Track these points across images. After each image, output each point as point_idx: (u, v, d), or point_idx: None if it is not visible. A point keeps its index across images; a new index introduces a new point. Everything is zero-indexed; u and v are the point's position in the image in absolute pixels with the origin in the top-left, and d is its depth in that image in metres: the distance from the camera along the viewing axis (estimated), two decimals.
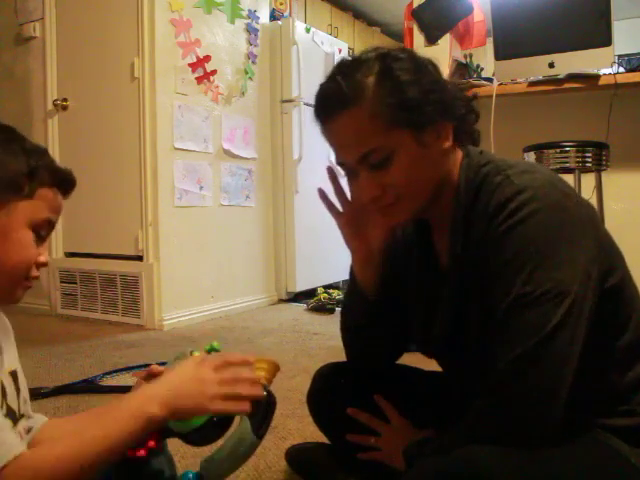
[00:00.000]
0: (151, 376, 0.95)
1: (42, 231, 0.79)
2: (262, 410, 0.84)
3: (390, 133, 0.85)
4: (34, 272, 0.79)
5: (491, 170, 0.89)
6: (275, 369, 0.91)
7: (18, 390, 0.85)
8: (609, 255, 0.87)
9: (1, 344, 0.83)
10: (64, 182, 0.82)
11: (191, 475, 0.84)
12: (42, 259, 0.80)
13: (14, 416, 0.83)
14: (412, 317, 1.06)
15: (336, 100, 0.87)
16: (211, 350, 0.95)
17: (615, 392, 0.86)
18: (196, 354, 0.94)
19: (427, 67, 0.89)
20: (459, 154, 0.94)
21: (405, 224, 1.03)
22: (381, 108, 0.84)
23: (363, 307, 1.08)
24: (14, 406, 0.83)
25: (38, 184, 0.78)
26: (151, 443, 0.85)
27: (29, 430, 0.92)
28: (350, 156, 0.89)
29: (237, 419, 0.84)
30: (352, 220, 1.00)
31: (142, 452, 0.83)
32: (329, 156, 3.46)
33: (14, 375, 0.85)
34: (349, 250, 1.04)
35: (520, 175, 0.85)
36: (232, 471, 0.86)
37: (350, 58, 0.92)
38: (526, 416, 0.77)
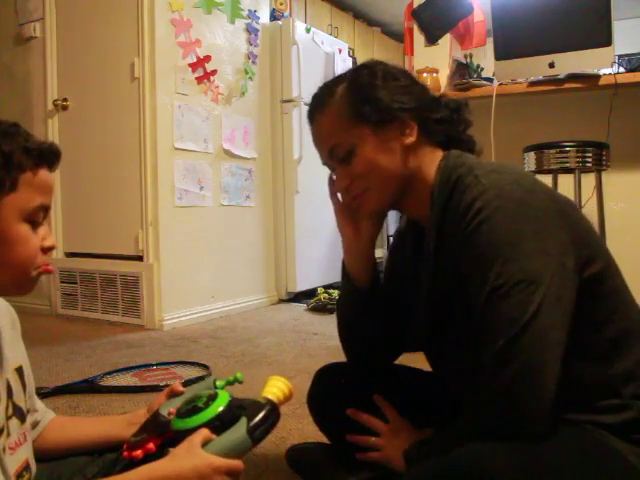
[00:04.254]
0: (173, 394, 0.96)
1: (37, 218, 0.75)
2: (263, 414, 0.84)
3: (352, 129, 0.95)
4: (42, 259, 0.76)
5: (464, 171, 0.91)
6: (288, 392, 0.91)
7: (24, 386, 0.85)
8: (587, 246, 0.87)
9: (5, 341, 0.82)
10: (46, 158, 0.76)
11: None
12: (48, 243, 0.76)
13: (22, 414, 0.82)
14: (408, 313, 1.08)
15: (313, 106, 1.02)
16: (234, 381, 0.95)
17: (603, 385, 0.86)
18: (219, 383, 0.94)
19: (396, 75, 0.98)
20: (437, 155, 0.98)
21: (381, 214, 1.07)
22: (345, 107, 0.96)
23: (354, 298, 1.12)
24: (22, 404, 0.82)
25: (18, 171, 0.72)
26: (150, 446, 0.84)
27: (35, 425, 0.92)
28: (322, 153, 1.01)
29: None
30: (346, 209, 1.06)
31: (138, 453, 0.83)
32: None
33: (20, 371, 0.84)
34: (341, 237, 1.10)
35: (487, 175, 0.88)
36: (236, 456, 0.84)
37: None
38: (514, 408, 0.77)
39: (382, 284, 1.14)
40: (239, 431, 0.82)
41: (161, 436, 0.86)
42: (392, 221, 5.45)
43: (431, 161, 0.98)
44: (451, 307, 0.93)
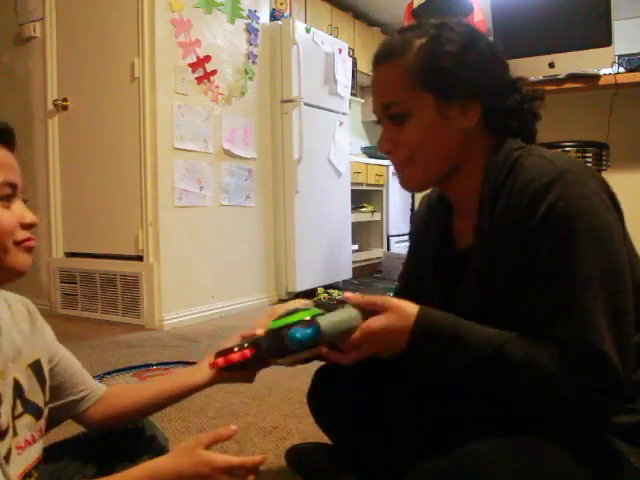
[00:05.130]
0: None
1: (5, 196, 0.74)
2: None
3: (414, 93, 0.90)
4: (20, 235, 0.75)
5: (523, 152, 0.89)
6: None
7: (43, 380, 0.84)
8: (629, 253, 0.88)
9: (16, 338, 0.80)
10: (1, 135, 0.75)
11: (306, 330, 0.83)
12: (28, 220, 0.76)
13: (37, 410, 0.81)
14: (428, 301, 1.06)
15: (384, 51, 0.95)
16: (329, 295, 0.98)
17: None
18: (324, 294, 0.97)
19: (480, 48, 0.92)
20: (492, 141, 0.94)
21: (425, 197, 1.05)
22: (415, 67, 0.90)
23: None
24: (37, 399, 0.81)
25: None
26: (246, 352, 0.89)
27: (82, 400, 0.94)
28: (376, 103, 0.95)
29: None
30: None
31: (235, 356, 0.89)
32: (329, 156, 3.50)
33: (36, 366, 0.83)
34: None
35: (558, 156, 0.86)
36: (341, 333, 0.85)
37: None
38: (617, 377, 0.77)
39: (404, 270, 1.15)
40: (349, 309, 0.86)
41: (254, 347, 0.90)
42: (392, 223, 5.45)
43: (483, 145, 0.93)
44: (492, 286, 0.90)
